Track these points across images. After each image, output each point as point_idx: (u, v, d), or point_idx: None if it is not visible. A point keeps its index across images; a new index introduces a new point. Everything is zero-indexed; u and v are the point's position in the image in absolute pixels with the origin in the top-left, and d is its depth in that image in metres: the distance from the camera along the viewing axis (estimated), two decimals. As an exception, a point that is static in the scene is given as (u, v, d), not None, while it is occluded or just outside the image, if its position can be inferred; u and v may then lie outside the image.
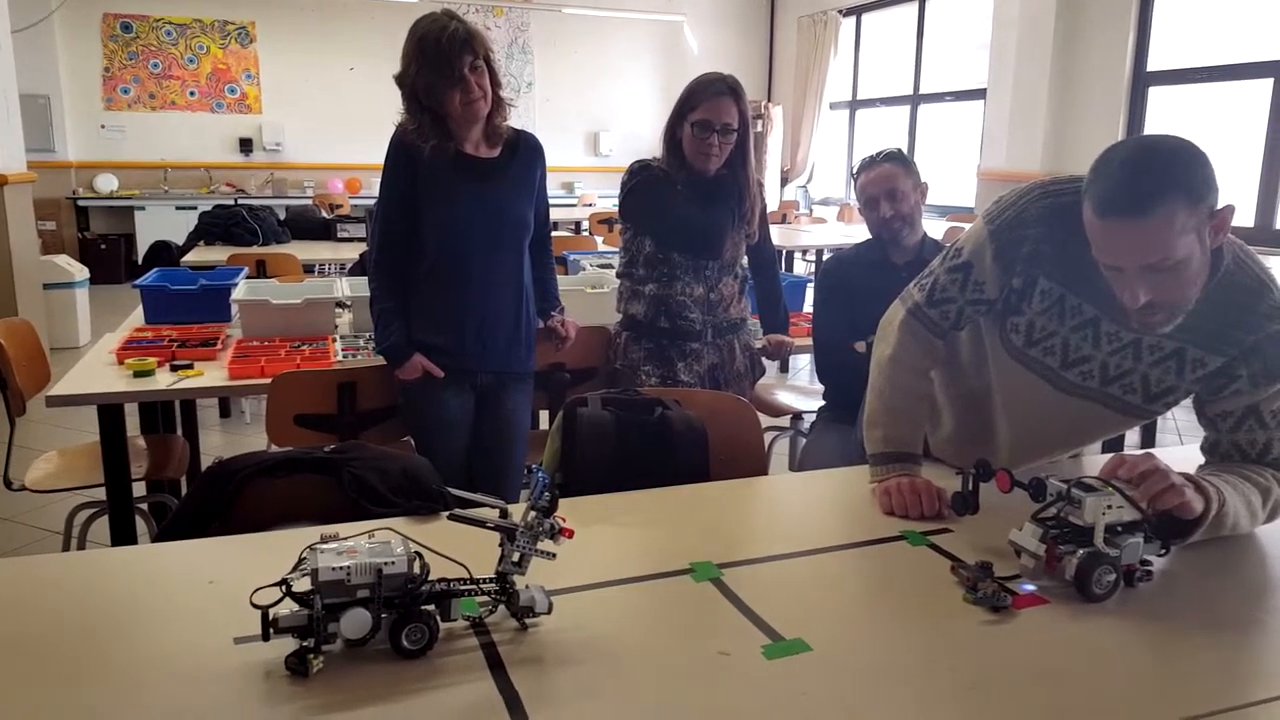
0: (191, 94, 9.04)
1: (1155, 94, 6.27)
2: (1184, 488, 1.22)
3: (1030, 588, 1.19)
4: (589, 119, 10.26)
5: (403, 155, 2.17)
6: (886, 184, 2.42)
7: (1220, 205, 1.23)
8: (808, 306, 3.51)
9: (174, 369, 2.41)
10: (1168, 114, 6.22)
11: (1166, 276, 1.23)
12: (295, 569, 0.99)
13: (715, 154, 2.36)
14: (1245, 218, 5.60)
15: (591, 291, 2.91)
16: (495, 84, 2.17)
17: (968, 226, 1.57)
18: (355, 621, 0.98)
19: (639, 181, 2.43)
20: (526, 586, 1.08)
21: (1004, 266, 1.46)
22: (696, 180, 2.41)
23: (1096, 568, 1.16)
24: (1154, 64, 6.24)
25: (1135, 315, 1.29)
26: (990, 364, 1.58)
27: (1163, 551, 1.25)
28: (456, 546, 1.09)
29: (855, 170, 2.53)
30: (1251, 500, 1.33)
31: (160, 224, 8.55)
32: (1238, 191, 5.59)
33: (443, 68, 2.07)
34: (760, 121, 9.34)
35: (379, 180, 2.27)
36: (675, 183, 2.40)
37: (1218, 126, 6.04)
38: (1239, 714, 0.96)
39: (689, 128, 2.35)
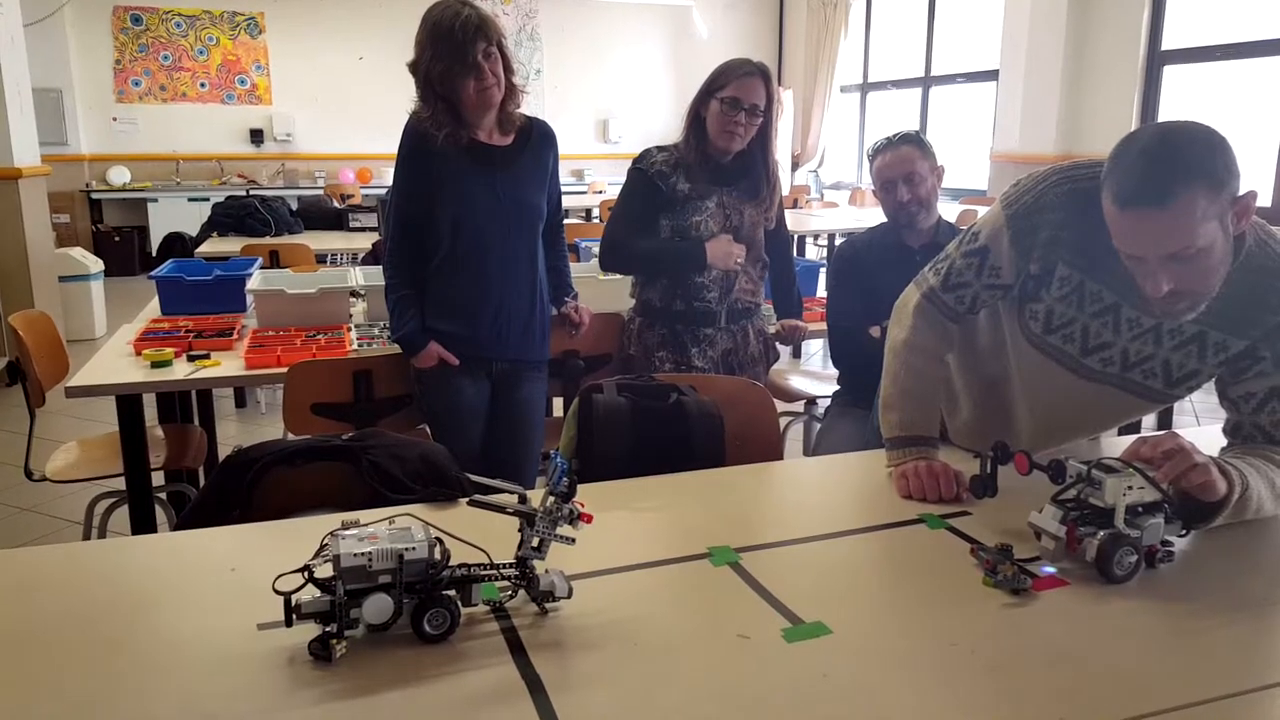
0: (202, 85, 9.06)
1: (1170, 73, 6.19)
2: (1208, 466, 1.21)
3: (1050, 570, 1.19)
4: (598, 106, 10.22)
5: (417, 143, 2.17)
6: (904, 167, 2.40)
7: (1242, 190, 1.21)
8: (821, 291, 3.50)
9: (191, 359, 2.43)
10: (1184, 93, 6.15)
11: (1189, 265, 1.21)
12: (317, 555, 1.00)
13: (740, 134, 2.35)
14: (1264, 197, 5.55)
15: (604, 278, 2.90)
16: (508, 71, 2.16)
17: (981, 210, 1.56)
18: (377, 607, 0.99)
19: (634, 185, 2.42)
20: (546, 571, 1.09)
21: (1021, 252, 1.45)
22: (710, 162, 2.40)
23: (1118, 549, 1.16)
24: (1169, 42, 6.16)
25: (1158, 304, 1.28)
26: (1009, 350, 1.58)
27: (1183, 532, 1.24)
28: (476, 532, 1.10)
29: (871, 153, 2.50)
30: (1276, 483, 1.32)
31: (173, 216, 8.59)
32: (1256, 170, 5.53)
33: (457, 54, 2.07)
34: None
35: (390, 170, 2.28)
36: (671, 179, 2.38)
37: (1235, 105, 5.97)
38: (1261, 695, 0.96)
39: (717, 104, 2.33)
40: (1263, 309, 1.33)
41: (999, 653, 1.02)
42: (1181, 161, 1.17)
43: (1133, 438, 1.30)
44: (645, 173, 2.41)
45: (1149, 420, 3.31)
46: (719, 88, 2.34)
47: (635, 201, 2.43)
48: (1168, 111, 6.25)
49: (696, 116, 2.39)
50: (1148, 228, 1.20)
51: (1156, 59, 6.22)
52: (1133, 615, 1.11)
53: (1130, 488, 1.18)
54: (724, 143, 2.36)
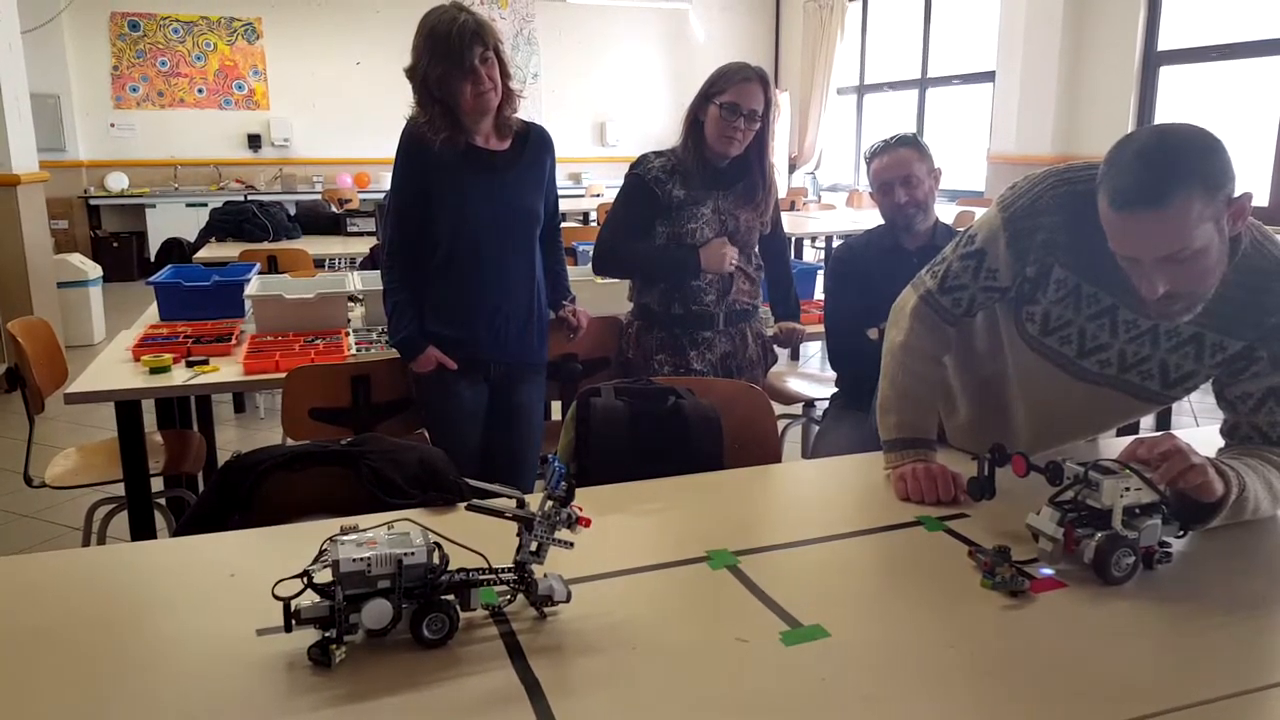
0: (200, 91, 9.06)
1: (1166, 74, 6.20)
2: (1205, 466, 1.21)
3: (1048, 571, 1.19)
4: (595, 109, 10.23)
5: (414, 148, 2.18)
6: (902, 169, 2.40)
7: (1238, 191, 1.21)
8: (818, 294, 3.51)
9: (189, 365, 2.43)
10: (1179, 94, 6.16)
11: (1185, 266, 1.22)
12: (316, 561, 1.00)
13: (738, 139, 2.35)
14: (1260, 197, 5.55)
15: (602, 282, 2.90)
16: (505, 75, 2.17)
17: (978, 211, 1.57)
18: (376, 612, 0.99)
19: (631, 191, 2.43)
20: (545, 575, 1.09)
21: (1017, 254, 1.45)
22: (708, 166, 2.40)
23: (1115, 550, 1.16)
24: (1165, 43, 6.17)
25: (1154, 306, 1.28)
26: (1006, 352, 1.58)
27: (1181, 534, 1.24)
28: (475, 537, 1.10)
29: (868, 155, 2.50)
30: (1273, 483, 1.32)
31: (171, 221, 8.61)
32: (1251, 171, 5.54)
33: (454, 59, 2.07)
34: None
35: (388, 174, 2.28)
36: (668, 186, 2.39)
37: (1231, 106, 5.98)
38: (1259, 696, 0.96)
39: (716, 109, 2.34)
40: (1259, 310, 1.34)
41: (997, 655, 1.02)
42: (1177, 163, 1.17)
43: (1130, 439, 1.30)
44: (642, 178, 2.41)
45: (1147, 421, 3.31)
46: (717, 93, 2.34)
47: (631, 207, 2.44)
48: (1164, 112, 6.26)
49: (694, 121, 2.40)
50: (1144, 229, 1.20)
51: (1153, 60, 6.23)
52: (1131, 616, 1.11)
53: (1128, 489, 1.18)
54: (722, 148, 2.37)
